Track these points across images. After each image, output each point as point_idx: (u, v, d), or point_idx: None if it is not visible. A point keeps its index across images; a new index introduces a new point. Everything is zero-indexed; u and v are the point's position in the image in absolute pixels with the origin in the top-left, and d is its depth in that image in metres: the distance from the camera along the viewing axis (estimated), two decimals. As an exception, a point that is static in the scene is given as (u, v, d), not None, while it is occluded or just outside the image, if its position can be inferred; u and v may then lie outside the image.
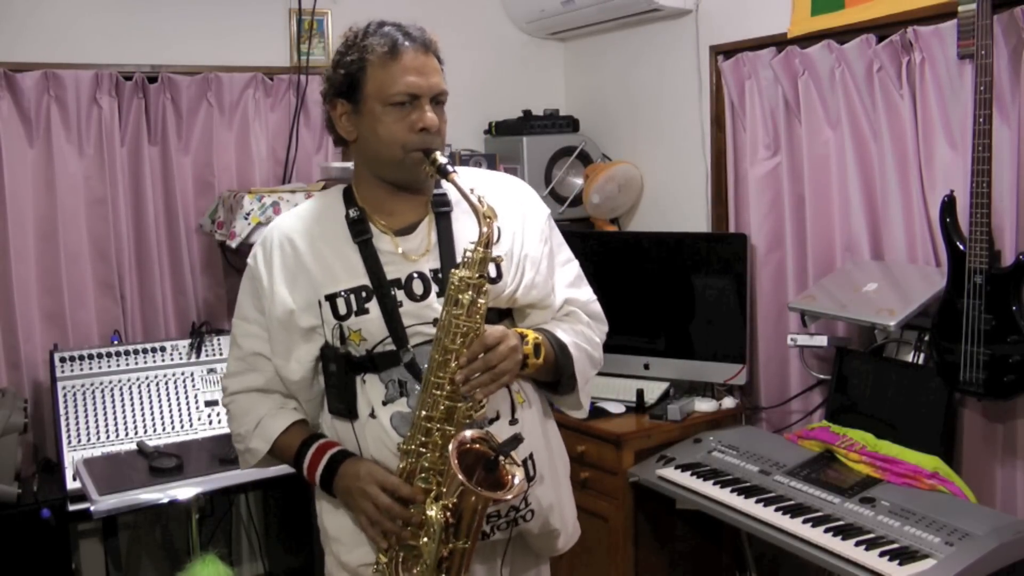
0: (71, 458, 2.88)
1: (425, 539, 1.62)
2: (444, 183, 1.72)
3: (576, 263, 1.94)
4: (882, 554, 2.15)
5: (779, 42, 3.05)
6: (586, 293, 1.92)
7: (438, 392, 1.62)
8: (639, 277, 3.39)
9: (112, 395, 3.09)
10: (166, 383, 3.17)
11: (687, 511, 2.80)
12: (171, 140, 3.40)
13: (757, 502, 2.48)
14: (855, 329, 2.88)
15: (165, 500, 2.62)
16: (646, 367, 3.32)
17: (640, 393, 3.16)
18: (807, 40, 2.95)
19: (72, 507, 2.77)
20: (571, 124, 3.86)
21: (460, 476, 1.57)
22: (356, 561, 1.77)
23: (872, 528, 2.27)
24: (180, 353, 3.25)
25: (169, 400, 3.13)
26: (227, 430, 3.06)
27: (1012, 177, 2.46)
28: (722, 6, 3.28)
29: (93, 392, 3.08)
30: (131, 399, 3.10)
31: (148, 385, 3.15)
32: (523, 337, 1.71)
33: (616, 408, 3.14)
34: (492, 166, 3.64)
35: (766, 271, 3.18)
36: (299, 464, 1.78)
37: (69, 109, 3.21)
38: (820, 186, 2.99)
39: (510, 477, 1.62)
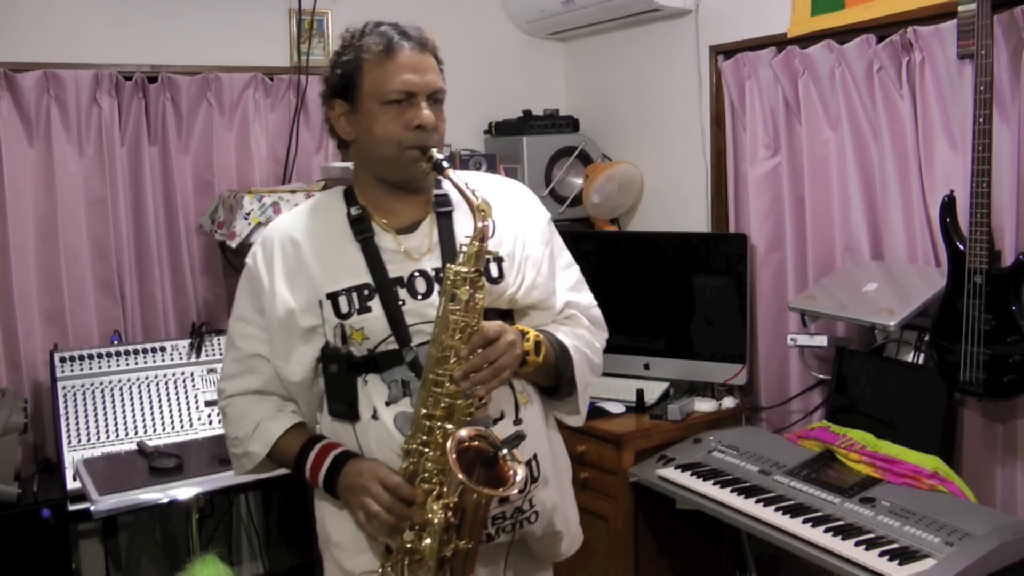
0: (71, 458, 2.88)
1: (428, 540, 1.59)
2: (444, 184, 1.72)
3: (577, 268, 1.93)
4: (882, 554, 2.15)
5: (779, 42, 3.05)
6: (587, 298, 1.91)
7: (437, 389, 1.61)
8: (639, 277, 3.39)
9: (112, 395, 3.09)
10: (166, 383, 3.17)
11: (687, 511, 2.80)
12: (171, 140, 3.40)
13: (757, 502, 2.48)
14: (855, 329, 2.88)
15: (165, 500, 2.61)
16: (646, 367, 3.32)
17: (640, 393, 3.16)
18: (807, 40, 2.96)
19: (72, 507, 2.77)
20: (571, 124, 3.86)
21: (459, 474, 1.55)
22: (359, 568, 1.74)
23: (872, 528, 2.27)
24: (180, 353, 3.24)
25: (169, 400, 3.13)
26: (227, 430, 3.09)
27: (1012, 177, 2.46)
28: (722, 6, 3.28)
29: (93, 392, 3.08)
30: (131, 399, 3.10)
31: (148, 385, 3.15)
32: (523, 334, 1.69)
33: (616, 408, 3.14)
34: (492, 166, 3.64)
35: (766, 271, 3.18)
36: (300, 466, 1.75)
37: (69, 109, 3.21)
38: (820, 186, 2.99)
39: (511, 474, 1.60)
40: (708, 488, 2.62)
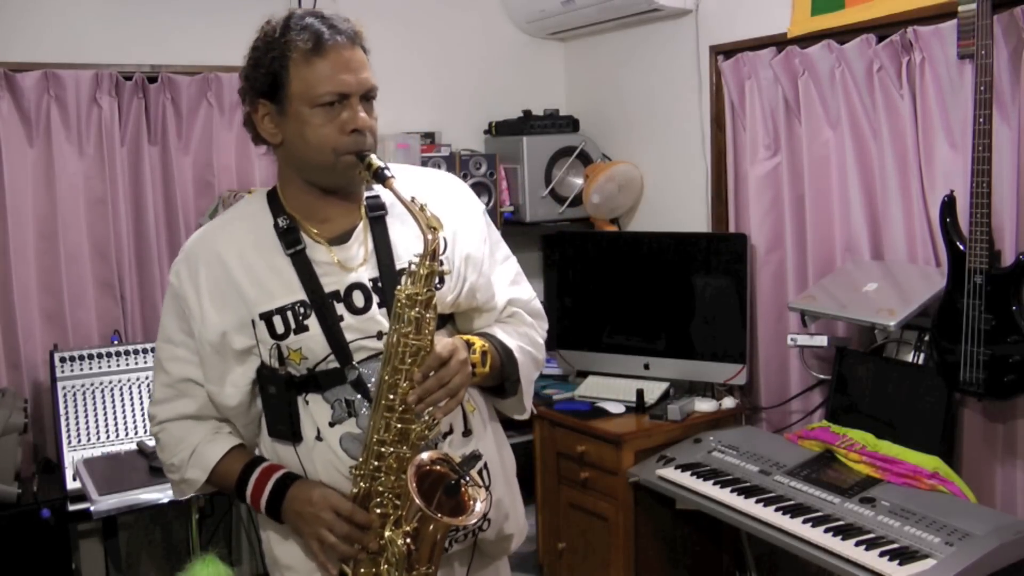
0: (71, 458, 2.88)
1: (386, 566, 1.53)
2: (376, 184, 1.59)
3: (514, 259, 1.84)
4: (882, 554, 2.15)
5: (779, 42, 3.05)
6: (527, 291, 1.83)
7: (389, 414, 1.53)
8: (639, 277, 3.39)
9: (112, 395, 3.09)
10: (166, 383, 3.17)
11: (687, 511, 2.80)
12: (171, 140, 3.40)
13: (757, 502, 2.48)
14: (855, 329, 2.88)
15: (165, 500, 2.62)
16: (646, 367, 3.32)
17: (640, 393, 3.16)
18: (807, 40, 2.96)
19: (72, 507, 2.77)
20: (571, 124, 3.86)
21: (420, 503, 1.48)
22: None
23: (872, 528, 2.27)
24: (180, 353, 3.24)
25: (169, 400, 3.13)
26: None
27: (1012, 177, 2.47)
28: (722, 6, 3.29)
29: (93, 392, 3.08)
30: (131, 399, 3.10)
31: (148, 385, 3.15)
32: (470, 345, 1.62)
33: (616, 408, 3.14)
34: (492, 166, 3.64)
35: (766, 271, 3.18)
36: (242, 490, 1.66)
37: (69, 109, 3.21)
38: (820, 186, 2.99)
39: (471, 501, 1.53)
40: (708, 488, 2.62)
